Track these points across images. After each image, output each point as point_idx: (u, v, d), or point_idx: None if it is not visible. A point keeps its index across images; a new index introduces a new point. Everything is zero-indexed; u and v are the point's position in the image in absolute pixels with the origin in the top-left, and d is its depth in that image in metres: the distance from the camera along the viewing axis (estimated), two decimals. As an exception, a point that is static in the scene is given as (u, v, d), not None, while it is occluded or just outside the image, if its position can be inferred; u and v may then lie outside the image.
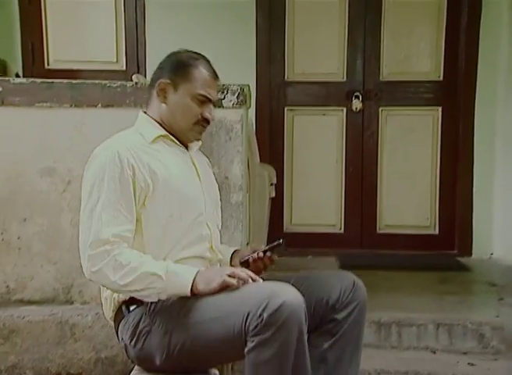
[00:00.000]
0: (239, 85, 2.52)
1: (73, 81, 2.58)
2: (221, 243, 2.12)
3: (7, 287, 2.59)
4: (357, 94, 4.27)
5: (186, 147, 2.03)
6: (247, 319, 1.62)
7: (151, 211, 1.84)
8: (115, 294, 1.88)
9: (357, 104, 4.26)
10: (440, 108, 4.30)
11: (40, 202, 2.55)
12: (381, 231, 4.39)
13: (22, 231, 2.56)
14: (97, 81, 2.58)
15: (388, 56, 4.29)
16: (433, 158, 4.32)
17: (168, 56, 2.01)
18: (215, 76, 1.98)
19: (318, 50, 4.31)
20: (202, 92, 1.93)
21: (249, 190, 2.84)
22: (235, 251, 2.09)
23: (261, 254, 1.94)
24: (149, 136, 1.93)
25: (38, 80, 2.58)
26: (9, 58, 3.97)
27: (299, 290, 1.68)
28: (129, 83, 2.59)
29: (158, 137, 1.94)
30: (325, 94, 4.33)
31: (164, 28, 4.24)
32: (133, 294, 1.78)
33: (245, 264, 1.98)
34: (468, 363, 2.66)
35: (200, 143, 2.09)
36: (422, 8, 4.25)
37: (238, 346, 1.66)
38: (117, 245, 1.75)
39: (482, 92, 4.15)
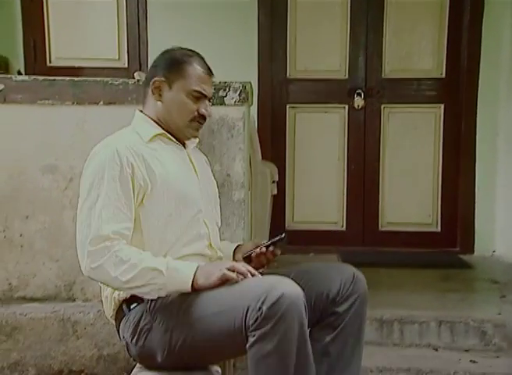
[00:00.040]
0: (241, 82, 2.52)
1: (75, 79, 2.59)
2: (222, 240, 2.12)
3: (9, 284, 2.60)
4: (359, 91, 4.26)
5: (184, 144, 2.04)
6: (246, 313, 1.62)
7: (150, 209, 1.84)
8: (116, 293, 1.88)
9: (359, 101, 4.26)
10: (442, 106, 4.29)
11: (42, 200, 2.56)
12: (383, 229, 4.38)
13: (24, 228, 2.57)
14: (99, 79, 2.58)
15: (390, 53, 4.28)
16: (435, 155, 4.31)
17: (162, 54, 2.01)
18: (210, 72, 1.98)
19: (320, 47, 4.30)
20: (197, 88, 1.93)
21: (251, 187, 2.84)
22: (237, 247, 2.09)
23: (264, 249, 1.95)
24: (146, 135, 1.93)
25: (40, 78, 2.59)
26: (11, 55, 3.98)
27: (299, 284, 1.68)
28: (131, 81, 2.59)
29: (155, 135, 1.94)
30: (327, 92, 4.33)
31: (165, 25, 4.24)
32: (133, 291, 1.78)
33: (248, 259, 1.98)
34: (470, 360, 2.66)
35: (197, 140, 2.09)
36: (424, 5, 4.24)
37: (239, 341, 1.66)
38: (117, 242, 1.74)
39: (484, 90, 4.15)
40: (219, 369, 1.89)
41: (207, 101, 1.98)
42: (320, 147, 4.34)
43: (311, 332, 1.95)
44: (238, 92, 2.51)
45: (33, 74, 3.16)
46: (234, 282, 1.71)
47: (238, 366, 2.46)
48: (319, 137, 4.34)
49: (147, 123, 1.97)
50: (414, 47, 4.27)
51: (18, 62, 4.17)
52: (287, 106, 4.36)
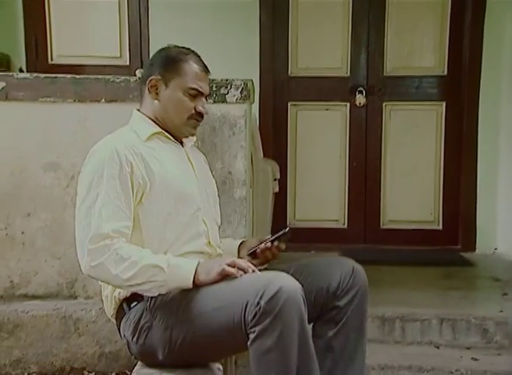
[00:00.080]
0: (242, 80, 2.52)
1: (77, 76, 2.59)
2: (225, 237, 2.12)
3: (11, 281, 2.60)
4: (361, 89, 4.26)
5: (181, 143, 2.04)
6: (245, 308, 1.62)
7: (149, 208, 1.85)
8: (116, 292, 1.88)
9: (360, 99, 4.26)
10: (444, 104, 4.29)
11: (43, 197, 2.56)
12: (384, 226, 4.38)
13: (26, 226, 2.57)
14: (100, 76, 2.58)
15: (392, 51, 4.28)
16: (437, 153, 4.31)
17: (158, 52, 2.01)
18: (206, 69, 1.98)
19: (321, 45, 4.30)
20: (193, 86, 1.93)
21: (252, 185, 2.84)
22: (241, 243, 2.09)
23: (269, 244, 1.95)
24: (143, 134, 1.93)
25: (42, 75, 2.59)
26: (13, 53, 3.99)
27: (299, 279, 1.69)
28: (132, 79, 2.59)
29: (153, 134, 1.94)
30: (328, 89, 4.32)
31: (167, 23, 4.24)
32: (133, 289, 1.78)
33: (253, 255, 1.98)
34: (472, 358, 2.66)
35: (194, 138, 2.09)
36: (426, 3, 4.23)
37: (239, 337, 1.66)
38: (117, 240, 1.74)
39: (486, 87, 4.14)
40: (221, 367, 1.89)
41: (203, 99, 1.98)
42: (321, 145, 4.34)
43: (314, 327, 1.96)
44: (240, 90, 2.51)
45: (35, 72, 3.15)
46: (233, 277, 1.71)
47: (240, 363, 2.46)
48: (321, 134, 4.34)
49: (144, 122, 1.97)
50: (416, 45, 4.26)
51: (19, 59, 4.18)
52: (289, 104, 4.36)
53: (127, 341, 1.88)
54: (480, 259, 4.02)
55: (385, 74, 4.30)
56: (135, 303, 1.85)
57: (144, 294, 1.80)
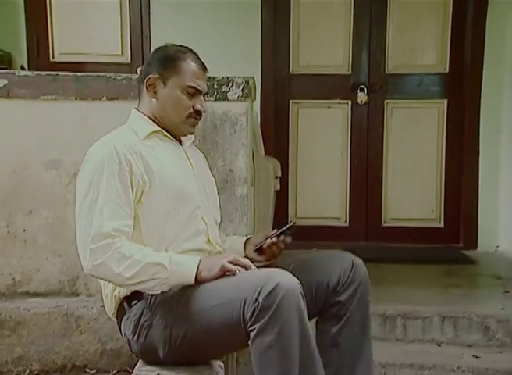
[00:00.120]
0: (244, 78, 2.52)
1: (78, 74, 2.58)
2: (227, 235, 2.12)
3: (13, 279, 2.60)
4: (362, 86, 4.26)
5: (180, 141, 2.04)
6: (244, 305, 1.63)
7: (148, 207, 1.85)
8: (116, 291, 1.88)
9: (362, 97, 4.25)
10: (446, 101, 4.29)
11: (45, 195, 2.56)
12: (386, 224, 4.38)
13: (27, 224, 2.57)
14: (102, 74, 2.58)
15: (393, 49, 4.28)
16: (438, 150, 4.31)
17: (155, 51, 2.01)
18: (204, 67, 1.98)
19: (323, 43, 4.30)
20: (192, 84, 1.93)
21: (254, 183, 2.84)
22: (247, 240, 2.09)
23: (275, 238, 1.95)
24: (142, 132, 1.93)
25: (43, 73, 2.59)
26: (14, 50, 3.98)
27: (298, 275, 1.69)
28: (134, 76, 2.58)
29: (151, 133, 1.94)
30: (330, 87, 4.32)
31: (168, 21, 4.24)
32: (136, 287, 1.78)
33: (259, 251, 1.99)
34: (473, 356, 2.66)
35: (193, 137, 2.09)
36: (428, 1, 4.22)
37: (239, 334, 1.66)
38: (118, 239, 1.75)
39: (488, 85, 4.14)
40: (222, 364, 1.89)
41: (202, 97, 1.98)
42: (323, 142, 4.34)
43: (318, 324, 1.97)
44: (241, 87, 2.51)
45: (36, 69, 3.16)
46: (233, 274, 1.72)
47: (241, 360, 2.47)
48: (322, 132, 4.34)
49: (142, 121, 1.97)
50: (418, 42, 4.26)
51: (21, 57, 4.17)
52: (290, 102, 4.36)
53: (128, 340, 1.89)
54: (482, 257, 4.02)
55: (386, 72, 4.30)
56: (135, 302, 1.85)
57: (147, 292, 1.80)
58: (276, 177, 3.56)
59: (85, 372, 2.46)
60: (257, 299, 1.60)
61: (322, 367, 1.71)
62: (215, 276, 1.73)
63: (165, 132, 1.98)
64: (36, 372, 2.46)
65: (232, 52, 4.11)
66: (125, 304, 1.88)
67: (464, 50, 4.19)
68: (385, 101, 4.31)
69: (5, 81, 2.53)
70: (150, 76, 1.93)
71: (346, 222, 4.40)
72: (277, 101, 4.32)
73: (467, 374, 2.55)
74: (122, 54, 4.36)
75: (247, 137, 2.55)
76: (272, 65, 4.27)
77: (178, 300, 1.76)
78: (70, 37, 4.34)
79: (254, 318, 1.61)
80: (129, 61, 4.34)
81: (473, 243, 4.23)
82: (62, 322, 2.47)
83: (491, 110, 4.16)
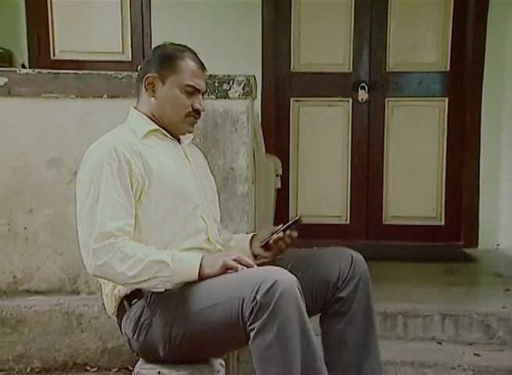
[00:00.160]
0: (244, 76, 2.52)
1: (79, 72, 2.58)
2: (234, 233, 2.13)
3: (14, 277, 2.60)
4: (363, 84, 4.26)
5: (179, 140, 2.04)
6: (242, 304, 1.63)
7: (148, 206, 1.85)
8: (116, 290, 1.88)
9: (363, 95, 4.25)
10: (447, 99, 4.29)
11: (46, 193, 2.56)
12: (387, 222, 4.38)
13: (28, 222, 2.57)
14: (102, 72, 2.58)
15: (394, 46, 4.27)
16: (439, 149, 4.30)
17: (154, 50, 2.02)
18: (202, 66, 1.98)
19: (323, 41, 4.29)
20: (190, 83, 1.93)
21: (255, 181, 2.84)
22: (253, 237, 2.09)
23: (281, 233, 1.95)
24: (140, 131, 1.93)
25: (44, 71, 2.59)
26: (15, 48, 3.98)
27: (297, 273, 1.70)
28: (134, 74, 2.57)
29: (150, 131, 1.94)
30: (330, 85, 4.32)
31: (169, 18, 4.24)
32: (139, 285, 1.78)
33: (266, 247, 1.99)
34: (474, 354, 2.66)
35: (192, 136, 2.09)
36: (429, -2, 4.23)
37: (238, 333, 1.67)
38: (121, 238, 1.75)
39: (489, 83, 4.14)
40: (223, 362, 1.89)
41: (200, 96, 1.98)
42: (324, 140, 4.34)
43: (322, 323, 1.97)
44: (242, 86, 2.51)
45: (37, 67, 3.15)
46: (234, 271, 1.73)
47: (242, 359, 2.47)
48: (323, 130, 4.34)
49: (141, 120, 1.97)
50: (419, 40, 4.26)
51: (22, 55, 4.17)
52: (291, 100, 4.36)
53: (128, 339, 1.89)
54: (482, 255, 4.02)
55: (387, 70, 4.29)
56: (135, 300, 1.85)
57: (149, 290, 1.80)
58: (277, 175, 3.56)
59: (86, 370, 2.46)
60: (255, 297, 1.60)
61: (324, 364, 1.70)
62: (218, 272, 1.74)
63: (163, 131, 1.98)
64: (37, 370, 2.46)
65: (233, 50, 4.11)
66: (125, 303, 1.88)
67: (465, 48, 4.19)
68: (386, 100, 4.31)
69: (5, 79, 2.53)
70: (148, 75, 1.93)
71: (346, 220, 4.40)
72: (278, 100, 4.31)
73: (468, 372, 2.55)
74: (123, 52, 4.36)
75: (248, 136, 2.55)
76: (272, 63, 4.27)
77: (177, 299, 1.76)
78: (71, 35, 4.34)
79: (253, 317, 1.61)
80: (129, 59, 4.34)
81: (474, 241, 4.23)
82: (63, 320, 2.47)
83: (492, 108, 4.15)
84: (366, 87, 4.25)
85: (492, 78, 4.12)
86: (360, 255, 1.97)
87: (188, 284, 1.76)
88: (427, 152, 4.31)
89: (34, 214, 2.57)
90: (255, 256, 2.05)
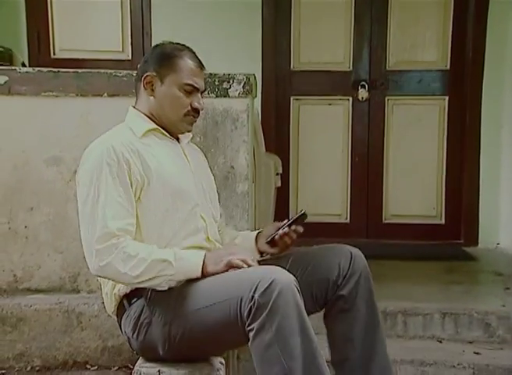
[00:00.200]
0: (244, 74, 2.52)
1: (79, 71, 2.58)
2: (240, 231, 2.13)
3: (14, 275, 2.60)
4: (363, 83, 4.26)
5: (177, 139, 2.03)
6: (240, 303, 1.63)
7: (147, 205, 1.85)
8: (116, 289, 1.88)
9: (363, 93, 4.25)
10: (447, 98, 4.29)
11: (46, 191, 2.56)
12: (387, 221, 4.38)
13: (29, 220, 2.57)
14: (102, 70, 2.58)
15: (394, 45, 4.27)
16: (439, 147, 4.31)
17: (153, 49, 2.01)
18: (201, 65, 1.98)
19: (324, 39, 4.29)
20: (189, 82, 1.92)
21: (255, 179, 2.84)
22: (258, 234, 2.09)
23: (286, 229, 1.95)
24: (139, 130, 1.93)
25: (44, 70, 2.59)
26: (15, 47, 3.97)
27: (297, 272, 1.71)
28: (134, 73, 2.57)
29: (149, 130, 1.94)
30: (331, 84, 4.32)
31: (169, 17, 4.24)
32: (143, 285, 1.77)
33: (271, 243, 1.98)
34: (474, 352, 2.66)
35: (191, 135, 2.08)
36: (429, -3, 4.23)
37: (237, 332, 1.66)
38: (123, 238, 1.75)
39: (489, 82, 4.14)
40: (223, 361, 1.89)
41: (199, 95, 1.98)
42: (324, 139, 4.34)
43: (326, 322, 1.96)
44: (242, 84, 2.51)
45: (37, 66, 3.15)
46: (238, 268, 1.73)
47: (242, 357, 2.47)
48: (323, 129, 4.34)
49: (140, 119, 1.96)
50: (419, 39, 4.26)
51: (22, 53, 4.17)
52: (291, 98, 4.36)
53: (128, 338, 1.89)
54: (482, 254, 4.03)
55: (387, 68, 4.30)
56: (135, 299, 1.85)
57: (154, 289, 1.80)
58: (277, 174, 3.56)
59: (86, 368, 2.46)
60: (253, 297, 1.60)
61: (325, 362, 1.70)
62: (222, 270, 1.74)
63: (162, 130, 1.97)
64: (37, 368, 2.47)
65: (234, 50, 4.11)
66: (125, 302, 1.88)
67: (465, 47, 4.19)
68: (386, 98, 4.31)
69: (6, 78, 2.53)
70: (147, 73, 1.93)
71: (346, 219, 4.40)
72: (278, 98, 4.31)
73: (467, 371, 2.55)
74: (123, 51, 4.36)
75: (248, 134, 2.55)
76: (272, 61, 4.27)
77: (175, 298, 1.76)
78: (71, 33, 4.34)
79: (251, 316, 1.61)
80: (130, 58, 4.34)
81: (474, 240, 4.23)
82: (63, 318, 2.47)
83: (492, 107, 4.15)
84: (366, 86, 4.25)
85: (492, 78, 4.13)
86: (360, 252, 1.97)
87: (187, 283, 1.76)
88: (427, 151, 4.31)
89: (34, 212, 2.57)
90: (261, 253, 2.05)
